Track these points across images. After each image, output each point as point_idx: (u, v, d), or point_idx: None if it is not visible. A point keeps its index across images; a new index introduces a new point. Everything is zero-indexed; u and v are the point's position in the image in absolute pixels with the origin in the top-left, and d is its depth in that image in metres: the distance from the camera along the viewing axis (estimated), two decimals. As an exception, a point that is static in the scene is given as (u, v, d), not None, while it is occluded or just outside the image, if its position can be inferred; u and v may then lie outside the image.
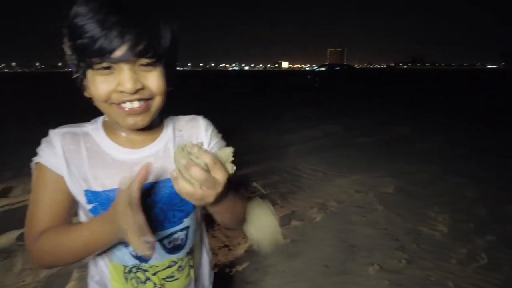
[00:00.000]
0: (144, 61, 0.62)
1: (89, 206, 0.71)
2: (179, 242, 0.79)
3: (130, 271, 0.75)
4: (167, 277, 0.78)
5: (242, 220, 0.75)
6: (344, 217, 2.83)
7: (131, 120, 0.66)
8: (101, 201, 0.70)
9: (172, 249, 0.77)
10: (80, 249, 0.65)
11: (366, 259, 2.26)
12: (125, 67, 0.61)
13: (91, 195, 0.70)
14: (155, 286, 0.76)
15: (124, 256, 0.74)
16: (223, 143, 0.85)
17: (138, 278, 0.75)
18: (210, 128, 0.84)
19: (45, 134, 0.73)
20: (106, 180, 0.70)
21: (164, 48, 0.64)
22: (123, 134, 0.74)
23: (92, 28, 0.57)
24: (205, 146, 0.81)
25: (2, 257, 2.26)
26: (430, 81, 27.68)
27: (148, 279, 0.76)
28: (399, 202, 3.14)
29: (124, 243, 0.71)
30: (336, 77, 20.61)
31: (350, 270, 2.15)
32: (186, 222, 0.79)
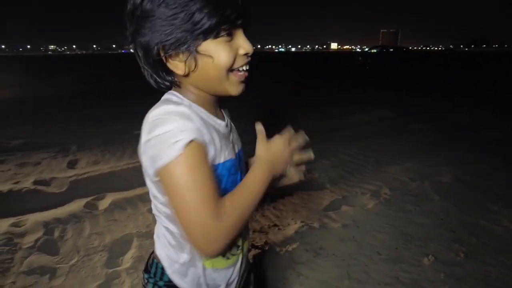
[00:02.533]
0: (248, 26, 0.69)
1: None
2: None
3: None
4: (243, 237, 0.83)
5: None
6: (397, 205, 2.74)
7: (241, 87, 0.72)
8: (221, 172, 0.71)
9: None
10: (260, 197, 0.68)
11: (420, 248, 2.19)
12: (241, 32, 0.67)
13: (216, 168, 0.70)
14: (238, 248, 0.81)
15: None
16: None
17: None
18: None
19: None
20: (226, 151, 0.72)
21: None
22: (210, 107, 0.74)
23: None
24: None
25: (73, 222, 2.49)
26: (496, 64, 25.33)
27: (234, 243, 0.80)
28: (457, 193, 2.97)
29: None
30: (389, 60, 19.52)
31: (403, 258, 2.10)
32: None
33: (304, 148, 0.78)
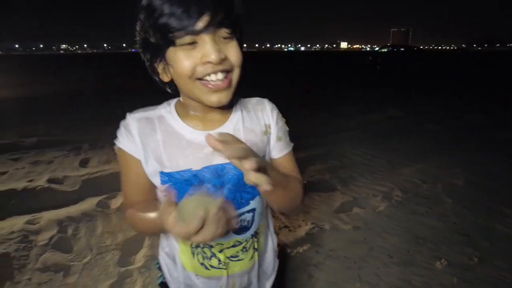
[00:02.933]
0: (223, 32, 0.64)
1: (163, 187, 0.75)
2: (245, 223, 0.81)
3: (197, 246, 0.79)
4: (231, 256, 0.80)
5: (296, 205, 0.79)
6: (409, 207, 2.71)
7: (215, 97, 0.67)
8: (175, 181, 0.73)
9: (238, 230, 0.80)
10: (151, 228, 0.74)
11: (432, 252, 2.16)
12: (208, 38, 0.62)
13: (165, 176, 0.73)
14: (220, 263, 0.79)
15: None
16: (286, 128, 0.87)
17: (204, 253, 0.79)
18: (276, 111, 0.85)
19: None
20: (180, 161, 0.72)
21: (239, 18, 0.66)
22: (197, 115, 0.75)
23: (173, 3, 0.59)
24: (272, 129, 0.83)
25: (86, 220, 2.52)
26: (510, 63, 24.86)
27: (213, 255, 0.79)
28: (470, 196, 2.92)
29: None
30: (399, 59, 19.29)
31: (415, 262, 2.08)
32: (253, 204, 0.81)
33: None
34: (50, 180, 3.18)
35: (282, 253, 2.14)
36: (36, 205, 2.74)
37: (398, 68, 18.07)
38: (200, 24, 0.60)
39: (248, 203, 0.80)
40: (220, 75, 0.65)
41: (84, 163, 3.73)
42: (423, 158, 3.85)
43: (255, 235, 0.84)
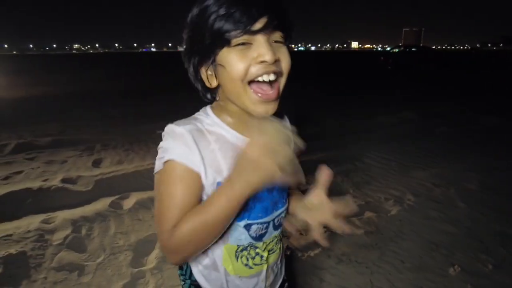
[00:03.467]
0: (277, 36, 0.65)
1: None
2: (282, 219, 0.84)
3: (243, 249, 0.79)
4: (270, 250, 0.83)
5: None
6: (422, 212, 2.68)
7: (262, 108, 0.66)
8: None
9: (278, 225, 0.82)
10: (221, 220, 0.64)
11: (446, 258, 2.14)
12: (263, 39, 0.62)
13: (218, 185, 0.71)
14: (262, 259, 0.81)
15: (241, 236, 0.76)
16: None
17: (249, 254, 0.80)
18: (293, 127, 0.85)
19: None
20: None
21: (290, 25, 0.68)
22: (239, 121, 0.73)
23: (231, 5, 0.60)
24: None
25: (99, 221, 2.56)
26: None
27: (257, 254, 0.80)
28: (485, 201, 2.87)
29: (245, 226, 0.74)
30: (411, 60, 19.02)
31: (427, 267, 2.05)
32: (287, 200, 0.84)
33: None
34: (64, 180, 3.24)
35: (293, 257, 2.14)
36: (51, 204, 2.79)
37: (410, 68, 17.82)
38: (258, 25, 0.61)
39: (286, 201, 0.84)
40: (272, 76, 0.64)
41: (97, 163, 3.79)
42: (436, 161, 3.80)
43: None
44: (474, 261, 2.10)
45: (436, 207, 2.76)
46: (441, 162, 3.76)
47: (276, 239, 0.85)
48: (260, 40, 0.62)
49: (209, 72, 0.68)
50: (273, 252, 0.85)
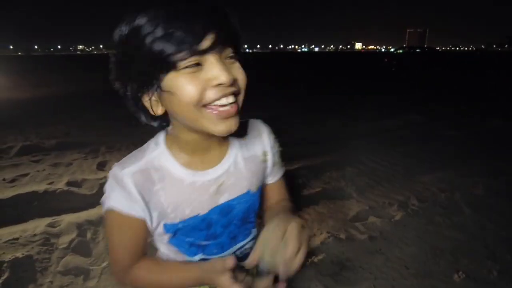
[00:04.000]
0: (228, 51, 0.59)
1: (167, 237, 0.73)
2: (248, 250, 0.82)
3: None
4: None
5: None
6: (426, 217, 2.67)
7: (223, 126, 0.60)
8: (183, 230, 0.72)
9: (242, 258, 0.76)
10: (176, 286, 0.71)
11: (450, 264, 2.13)
12: (214, 59, 0.56)
13: (170, 227, 0.71)
14: None
15: (192, 254, 0.77)
16: (280, 149, 0.85)
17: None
18: (272, 135, 0.82)
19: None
20: (186, 209, 0.69)
21: (240, 37, 0.62)
22: (194, 152, 0.69)
23: (170, 23, 0.53)
24: (269, 155, 0.80)
25: (104, 224, 2.57)
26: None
27: None
28: (491, 206, 2.85)
29: (200, 260, 0.77)
30: (416, 61, 18.98)
31: (432, 274, 2.05)
32: (254, 231, 0.83)
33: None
34: (69, 183, 3.26)
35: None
36: (57, 207, 2.81)
37: (415, 70, 17.74)
38: (206, 43, 0.54)
39: (251, 232, 0.82)
40: (230, 99, 0.59)
41: (101, 166, 3.81)
42: (441, 165, 3.78)
43: None
44: (480, 268, 2.09)
45: (441, 212, 2.75)
46: (446, 166, 3.74)
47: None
48: (211, 60, 0.56)
49: (153, 99, 0.61)
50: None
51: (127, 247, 0.70)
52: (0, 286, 1.90)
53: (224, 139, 0.72)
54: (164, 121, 0.69)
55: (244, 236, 0.80)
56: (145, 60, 0.55)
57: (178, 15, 0.53)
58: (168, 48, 0.53)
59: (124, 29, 0.57)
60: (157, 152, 0.69)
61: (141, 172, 0.66)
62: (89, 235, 2.42)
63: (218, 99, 0.57)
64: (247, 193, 0.75)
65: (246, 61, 0.64)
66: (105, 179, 3.36)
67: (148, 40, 0.54)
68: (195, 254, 0.76)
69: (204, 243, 0.74)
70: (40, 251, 2.21)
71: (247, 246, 0.82)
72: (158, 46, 0.53)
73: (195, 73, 0.56)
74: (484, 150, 4.35)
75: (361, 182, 3.32)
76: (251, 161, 0.76)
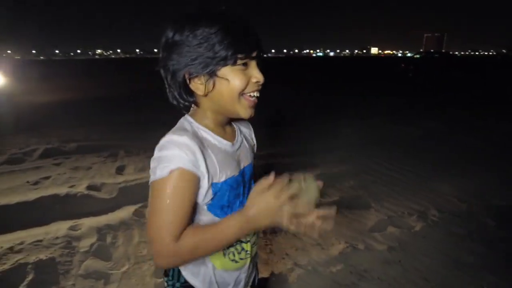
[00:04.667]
0: (260, 60, 0.80)
1: (209, 199, 0.80)
2: None
3: (230, 246, 0.87)
4: (253, 244, 0.92)
5: None
6: (447, 228, 2.62)
7: (251, 111, 0.81)
8: (222, 189, 0.81)
9: None
10: (224, 244, 0.76)
11: (472, 278, 2.08)
12: (255, 63, 0.78)
13: (217, 187, 0.80)
14: (247, 253, 0.90)
15: (223, 215, 0.84)
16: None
17: (236, 249, 0.88)
18: (253, 131, 1.04)
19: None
20: (228, 170, 0.82)
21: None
22: (219, 129, 0.86)
23: (236, 34, 0.74)
24: (254, 141, 1.03)
25: (123, 229, 2.62)
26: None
27: (243, 249, 0.89)
28: (513, 217, 2.78)
29: None
30: (433, 66, 18.64)
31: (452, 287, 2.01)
32: None
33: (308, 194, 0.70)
34: (89, 187, 3.34)
35: (314, 272, 2.13)
36: (77, 211, 2.88)
37: (432, 75, 17.43)
38: (255, 51, 0.77)
39: None
40: (257, 93, 0.80)
41: (120, 170, 3.88)
42: (461, 173, 3.70)
43: None
44: (504, 283, 2.03)
45: (461, 223, 2.69)
46: (465, 174, 3.67)
47: (257, 232, 0.94)
48: (254, 64, 0.78)
49: (200, 83, 0.77)
50: (255, 245, 0.94)
51: (186, 212, 0.73)
52: (26, 287, 1.96)
53: (234, 123, 0.93)
54: (193, 101, 0.82)
55: None
56: (215, 55, 0.73)
57: (241, 29, 0.75)
58: (234, 50, 0.73)
59: (191, 34, 0.74)
60: (195, 127, 0.82)
61: (195, 138, 0.77)
62: (109, 239, 2.47)
63: (254, 91, 0.79)
64: (251, 163, 0.95)
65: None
66: (124, 183, 3.43)
67: (221, 41, 0.72)
68: (225, 215, 0.82)
69: (232, 202, 0.85)
70: (62, 254, 2.27)
71: None
72: (228, 47, 0.72)
73: (244, 70, 0.76)
74: (503, 156, 4.26)
75: (378, 190, 3.28)
76: (247, 141, 0.97)
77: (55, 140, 5.08)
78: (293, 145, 4.83)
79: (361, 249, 2.33)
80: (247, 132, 1.00)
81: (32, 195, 3.12)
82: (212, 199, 0.81)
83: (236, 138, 0.90)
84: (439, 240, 2.47)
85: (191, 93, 0.80)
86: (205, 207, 0.81)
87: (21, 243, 2.37)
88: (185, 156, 0.72)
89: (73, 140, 5.10)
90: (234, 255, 0.88)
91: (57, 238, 2.44)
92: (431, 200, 3.08)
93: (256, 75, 0.78)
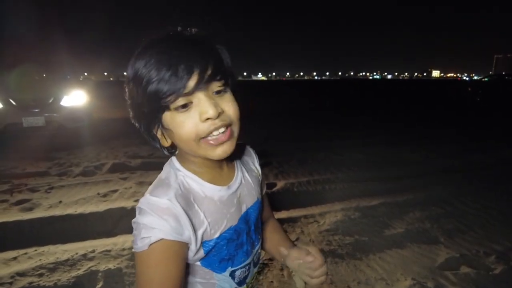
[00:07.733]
0: (216, 86, 0.64)
1: (201, 257, 0.71)
2: (260, 254, 0.89)
3: None
4: (251, 282, 0.87)
5: None
6: (533, 274, 2.32)
7: (220, 150, 0.67)
8: (219, 245, 0.73)
9: (257, 262, 0.87)
10: None
11: None
12: (201, 95, 0.62)
13: (208, 245, 0.71)
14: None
15: (225, 284, 0.79)
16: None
17: None
18: (257, 156, 0.92)
19: None
20: (222, 223, 0.72)
21: (229, 69, 0.67)
22: (211, 171, 0.74)
23: (159, 68, 0.59)
24: (260, 172, 0.91)
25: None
26: None
27: None
28: None
29: (230, 273, 0.78)
30: (506, 90, 17.11)
31: None
32: (260, 236, 0.89)
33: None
34: (153, 202, 3.49)
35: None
36: (142, 224, 3.02)
37: (505, 100, 15.99)
38: (191, 83, 0.60)
39: (260, 237, 0.89)
40: (221, 129, 0.65)
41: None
42: (547, 212, 3.29)
43: None
44: None
45: (551, 270, 2.37)
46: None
47: (256, 275, 0.89)
48: (199, 97, 0.62)
49: (159, 133, 0.69)
50: (253, 279, 0.89)
51: (174, 279, 0.65)
52: (96, 295, 2.07)
53: (229, 157, 0.75)
54: (173, 148, 0.75)
55: (258, 240, 0.86)
56: (145, 102, 0.63)
57: (166, 59, 0.60)
58: (160, 91, 0.60)
59: (129, 71, 0.65)
60: (181, 175, 0.71)
61: (179, 196, 0.67)
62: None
63: (211, 132, 0.64)
64: (257, 201, 0.84)
65: (237, 91, 0.70)
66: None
67: (144, 82, 0.61)
68: (225, 269, 0.77)
69: (233, 254, 0.77)
70: (128, 265, 2.37)
71: (259, 250, 0.88)
72: (152, 88, 0.60)
73: (186, 112, 0.62)
74: None
75: (450, 225, 3.01)
76: (251, 174, 0.85)
77: (121, 155, 5.46)
78: (361, 170, 4.68)
79: (431, 289, 2.14)
80: (249, 161, 0.89)
81: (102, 206, 3.35)
82: (204, 258, 0.73)
83: (234, 177, 0.78)
84: (524, 287, 2.19)
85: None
86: (198, 263, 0.73)
87: (93, 251, 2.53)
88: (166, 224, 0.62)
89: (138, 156, 5.44)
90: None
91: (123, 249, 2.57)
92: (512, 240, 2.76)
93: (202, 109, 0.62)
